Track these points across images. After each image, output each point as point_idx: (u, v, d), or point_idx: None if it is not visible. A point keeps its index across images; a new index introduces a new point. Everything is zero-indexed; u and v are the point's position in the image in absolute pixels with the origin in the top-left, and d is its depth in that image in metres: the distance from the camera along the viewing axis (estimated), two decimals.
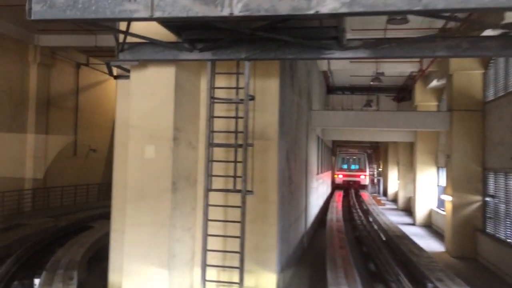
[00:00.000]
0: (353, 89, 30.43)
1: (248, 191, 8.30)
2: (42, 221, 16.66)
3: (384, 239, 15.98)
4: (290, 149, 12.71)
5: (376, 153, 52.05)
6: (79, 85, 24.59)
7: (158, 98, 9.12)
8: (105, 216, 19.32)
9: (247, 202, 8.37)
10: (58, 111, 22.87)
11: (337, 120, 20.39)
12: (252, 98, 8.68)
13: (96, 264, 11.42)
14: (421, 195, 24.78)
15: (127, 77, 9.95)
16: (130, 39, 8.28)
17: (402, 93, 29.56)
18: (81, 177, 24.57)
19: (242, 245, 8.07)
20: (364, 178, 40.27)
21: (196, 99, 10.35)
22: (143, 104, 9.22)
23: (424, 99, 24.81)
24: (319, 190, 24.13)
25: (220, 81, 9.15)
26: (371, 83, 23.49)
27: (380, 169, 50.45)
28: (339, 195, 34.11)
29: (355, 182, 39.64)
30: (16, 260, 10.96)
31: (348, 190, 37.62)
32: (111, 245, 9.68)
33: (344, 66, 21.91)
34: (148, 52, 8.47)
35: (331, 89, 29.98)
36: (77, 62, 24.36)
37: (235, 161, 8.80)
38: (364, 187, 40.05)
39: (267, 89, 10.15)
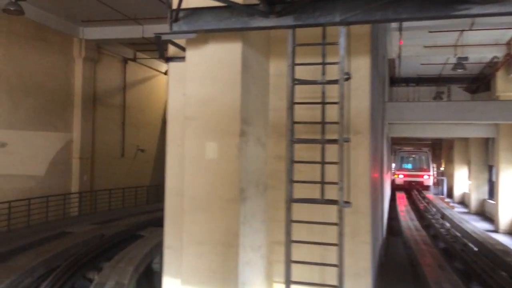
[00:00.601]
0: (419, 80, 27.53)
1: (346, 202, 6.16)
2: (88, 228, 15.22)
3: (480, 253, 13.30)
4: (374, 146, 10.44)
5: (438, 151, 48.36)
6: (126, 81, 23.27)
7: (221, 82, 7.03)
8: (155, 222, 17.78)
9: (331, 213, 6.25)
10: (105, 109, 21.60)
11: (406, 113, 17.90)
12: (349, 77, 6.52)
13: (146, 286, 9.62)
14: (505, 197, 21.68)
15: (182, 58, 7.94)
16: (186, 2, 6.32)
17: (477, 83, 26.39)
18: (129, 179, 23.25)
19: (340, 277, 5.93)
20: (428, 179, 37.02)
21: (265, 84, 8.23)
22: (203, 91, 7.17)
23: (508, 89, 21.69)
24: (386, 193, 21.62)
25: (299, 58, 7.03)
26: (453, 70, 20.57)
27: (442, 168, 46.77)
28: (401, 197, 31.26)
29: (417, 182, 36.50)
30: (55, 280, 9.36)
31: (410, 191, 34.61)
32: (164, 268, 7.80)
33: (418, 52, 19.35)
34: (209, 20, 6.43)
35: (395, 81, 27.24)
36: (124, 57, 23.03)
37: (323, 162, 6.67)
38: (427, 188, 36.83)
39: (356, 68, 7.90)
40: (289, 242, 6.27)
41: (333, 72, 6.54)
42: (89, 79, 20.22)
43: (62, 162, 18.78)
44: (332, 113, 6.67)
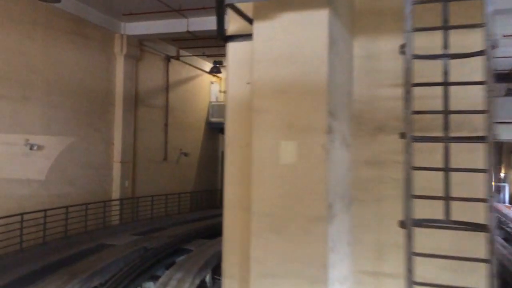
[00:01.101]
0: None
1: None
2: (130, 240, 13.78)
3: None
4: None
5: (496, 156, 44.63)
6: (169, 80, 21.95)
7: (302, 63, 5.08)
8: (203, 233, 16.18)
9: (465, 241, 4.29)
10: (146, 110, 20.31)
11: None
12: (495, 45, 4.55)
13: None
14: None
15: (245, 37, 6.09)
16: None
17: None
18: (171, 184, 21.87)
19: None
20: None
21: (349, 68, 6.26)
22: (276, 75, 5.26)
23: None
24: None
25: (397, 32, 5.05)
26: None
27: (502, 174, 43.16)
28: None
29: None
30: None
31: None
32: None
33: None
34: None
35: None
36: (167, 55, 21.72)
37: (447, 169, 4.70)
38: None
39: (468, 45, 5.84)
40: (411, 283, 4.35)
41: (456, 44, 4.57)
42: (131, 78, 18.96)
43: (102, 167, 17.55)
44: (455, 102, 4.71)
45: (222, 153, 26.87)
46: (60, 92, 15.62)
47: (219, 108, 26.05)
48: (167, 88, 21.79)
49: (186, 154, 22.92)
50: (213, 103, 26.02)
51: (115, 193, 18.02)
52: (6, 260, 11.21)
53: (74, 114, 16.22)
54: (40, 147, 14.58)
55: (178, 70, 22.78)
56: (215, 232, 16.18)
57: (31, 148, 14.14)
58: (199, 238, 14.82)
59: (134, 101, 19.26)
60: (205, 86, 25.64)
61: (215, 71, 22.81)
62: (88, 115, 16.89)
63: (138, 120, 19.56)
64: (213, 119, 25.81)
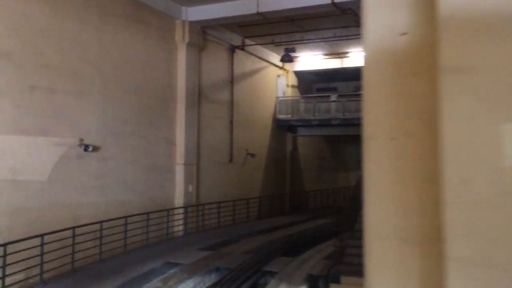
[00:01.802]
0: None
1: None
2: (198, 258, 11.56)
3: None
4: None
5: None
6: (234, 73, 19.76)
7: None
8: (281, 248, 13.17)
9: None
10: (210, 106, 18.20)
11: None
12: None
13: None
14: None
15: None
16: None
17: None
18: (237, 189, 19.65)
19: None
20: None
21: None
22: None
23: None
24: None
25: None
26: None
27: None
28: None
29: None
30: None
31: None
32: None
33: None
34: None
35: None
36: (231, 44, 19.55)
37: None
38: None
39: None
40: None
41: None
42: (194, 70, 16.90)
43: (164, 169, 15.58)
44: None
45: (291, 153, 24.36)
46: (116, 86, 13.75)
47: (286, 104, 23.59)
48: (231, 81, 19.60)
49: (252, 155, 20.64)
50: (280, 99, 23.59)
51: (178, 200, 15.98)
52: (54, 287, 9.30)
53: (133, 111, 14.32)
54: (95, 148, 12.73)
55: (243, 62, 20.56)
56: (295, 246, 13.68)
57: (85, 149, 12.31)
58: (279, 254, 12.38)
59: (198, 95, 17.19)
60: (272, 79, 23.27)
61: (286, 59, 20.36)
62: (147, 111, 14.95)
63: (202, 117, 17.47)
64: (281, 116, 23.38)
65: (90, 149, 12.36)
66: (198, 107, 17.18)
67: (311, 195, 25.68)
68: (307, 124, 22.87)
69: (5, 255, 9.20)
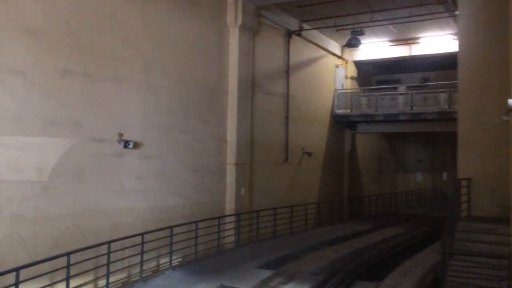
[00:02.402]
0: None
1: None
2: (258, 281, 9.43)
3: None
4: None
5: None
6: (290, 61, 17.52)
7: None
8: (354, 269, 10.52)
9: None
10: (264, 98, 16.02)
11: None
12: None
13: None
14: None
15: None
16: None
17: None
18: (293, 192, 17.41)
19: None
20: None
21: None
22: None
23: None
24: None
25: None
26: None
27: None
28: None
29: None
30: None
31: None
32: None
33: None
34: None
35: None
36: (287, 29, 17.29)
37: None
38: None
39: None
40: None
41: None
42: (247, 56, 14.78)
43: (213, 170, 13.56)
44: None
45: (349, 153, 21.87)
46: (161, 73, 11.84)
47: (345, 97, 21.10)
48: (287, 71, 17.35)
49: (310, 154, 18.33)
50: (339, 91, 21.11)
51: (229, 205, 13.92)
52: None
53: (179, 102, 12.37)
54: (137, 145, 10.85)
55: (299, 49, 18.27)
56: (368, 267, 11.31)
57: (125, 146, 10.42)
58: (353, 276, 10.06)
59: (251, 86, 15.07)
60: (330, 70, 20.84)
61: (353, 43, 17.80)
62: (195, 103, 12.96)
63: (255, 111, 15.34)
64: (339, 111, 20.92)
65: (130, 145, 10.47)
66: (251, 100, 15.06)
67: (371, 199, 23.06)
68: (369, 119, 20.25)
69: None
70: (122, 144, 10.35)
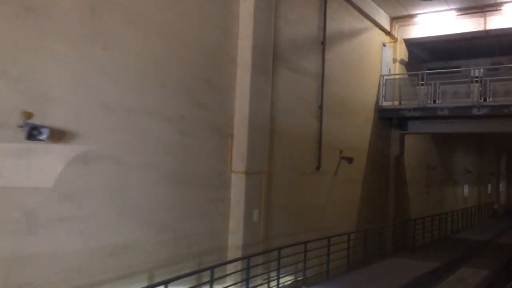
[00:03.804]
0: None
1: None
2: None
3: None
4: None
5: None
6: (326, 31, 12.48)
7: None
8: None
9: None
10: (290, 76, 10.99)
11: None
12: None
13: None
14: None
15: None
16: None
17: None
18: (324, 213, 12.37)
19: None
20: None
21: None
22: None
23: None
24: None
25: None
26: None
27: None
28: None
29: None
30: None
31: None
32: None
33: None
34: None
35: None
36: None
37: None
38: None
39: None
40: None
41: None
42: (267, 16, 9.75)
43: (209, 183, 8.52)
44: None
45: (396, 159, 16.67)
46: (123, 15, 6.92)
47: (393, 86, 15.95)
48: (323, 42, 12.32)
49: (350, 160, 13.21)
50: (386, 78, 15.99)
51: (234, 237, 8.85)
52: None
53: (154, 69, 7.43)
54: (62, 135, 5.94)
55: (339, 15, 13.23)
56: None
57: (32, 136, 5.48)
58: None
59: (271, 58, 10.06)
60: (375, 49, 15.71)
61: None
62: (183, 74, 8.02)
63: (277, 95, 10.34)
64: (386, 104, 15.80)
65: (43, 135, 5.50)
66: (272, 77, 10.05)
67: (419, 223, 17.65)
68: (427, 115, 15.00)
69: None
70: (27, 131, 5.41)
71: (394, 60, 16.79)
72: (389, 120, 16.12)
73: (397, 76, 16.30)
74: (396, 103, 15.96)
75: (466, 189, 27.63)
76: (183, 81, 8.02)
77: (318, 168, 12.03)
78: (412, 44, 17.32)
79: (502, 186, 37.95)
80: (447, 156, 23.64)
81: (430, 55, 19.27)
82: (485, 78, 14.41)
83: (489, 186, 34.13)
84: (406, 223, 16.19)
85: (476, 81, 14.28)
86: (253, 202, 9.22)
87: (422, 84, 15.34)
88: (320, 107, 12.15)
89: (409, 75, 16.48)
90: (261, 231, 9.38)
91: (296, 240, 10.42)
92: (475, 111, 14.06)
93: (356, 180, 14.27)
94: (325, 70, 12.31)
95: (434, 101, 15.03)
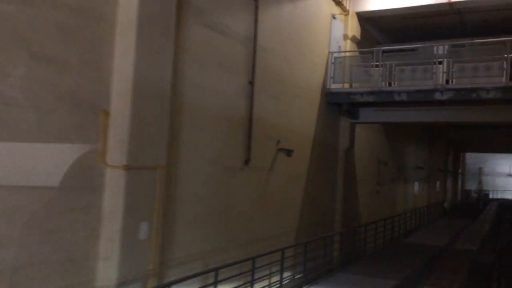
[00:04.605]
0: None
1: None
2: None
3: None
4: None
5: None
6: (258, 18, 9.63)
7: None
8: None
9: None
10: (208, 36, 8.02)
11: None
12: None
13: None
14: None
15: None
16: None
17: None
18: (255, 222, 9.60)
19: None
20: None
21: None
22: None
23: None
24: None
25: None
26: None
27: None
28: None
29: None
30: None
31: None
32: None
33: None
34: None
35: None
36: None
37: None
38: None
39: None
40: None
41: None
42: None
43: (67, 185, 5.47)
44: None
45: (346, 153, 14.19)
46: None
47: (343, 67, 13.38)
48: (255, 31, 9.44)
49: (289, 153, 10.45)
50: (335, 56, 13.39)
51: (108, 265, 5.86)
52: None
53: None
54: None
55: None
56: None
57: None
58: None
59: (176, 5, 7.05)
60: (323, 21, 13.04)
61: None
62: (20, 15, 4.91)
63: (186, 59, 7.37)
64: (334, 86, 13.22)
65: None
66: (176, 32, 7.04)
67: (370, 228, 15.27)
68: (383, 100, 12.53)
69: None
70: None
71: (345, 37, 14.24)
72: (338, 106, 13.56)
73: (348, 54, 13.76)
74: (347, 86, 13.45)
75: (416, 187, 25.91)
76: (13, 19, 4.88)
77: (247, 162, 9.18)
78: (366, 20, 14.86)
79: (449, 183, 37.07)
80: (397, 150, 21.59)
81: (385, 36, 16.96)
82: (449, 59, 12.12)
83: (438, 183, 32.98)
84: (355, 230, 13.73)
85: (440, 62, 11.95)
86: (140, 211, 6.21)
87: (377, 66, 12.87)
88: (251, 83, 9.29)
89: (362, 53, 13.93)
90: (153, 254, 6.37)
91: (213, 262, 7.55)
92: (438, 96, 11.73)
93: (298, 177, 11.56)
94: (258, 35, 9.46)
95: (390, 84, 12.64)
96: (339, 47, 13.87)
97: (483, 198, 41.61)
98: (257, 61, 9.46)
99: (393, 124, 18.74)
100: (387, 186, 19.69)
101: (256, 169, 9.51)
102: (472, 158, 46.80)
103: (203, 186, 7.88)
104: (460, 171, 41.13)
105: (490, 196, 45.27)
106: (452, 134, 29.91)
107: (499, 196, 46.47)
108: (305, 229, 11.61)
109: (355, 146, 14.80)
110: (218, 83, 8.33)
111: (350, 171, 14.67)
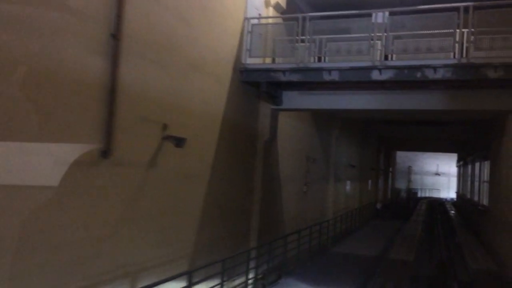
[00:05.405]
0: None
1: None
2: None
3: None
4: None
5: None
6: None
7: None
8: None
9: None
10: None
11: None
12: None
13: None
14: None
15: None
16: None
17: None
18: (134, 229, 6.67)
19: None
20: None
21: None
22: None
23: None
24: None
25: None
26: None
27: None
28: None
29: None
30: None
31: None
32: None
33: None
34: None
35: None
36: None
37: None
38: None
39: None
40: None
41: None
42: None
43: None
44: None
45: (266, 146, 11.53)
46: None
47: (264, 39, 10.66)
48: None
49: (180, 142, 7.52)
50: (252, 23, 10.63)
51: None
52: None
53: None
54: None
55: None
56: None
57: None
58: None
59: None
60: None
61: None
62: None
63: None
64: (250, 61, 10.47)
65: None
66: None
67: (292, 240, 12.77)
68: (311, 79, 9.91)
69: None
70: None
71: (267, 3, 11.54)
72: (257, 87, 10.81)
73: (270, 20, 11.07)
74: (269, 61, 10.78)
75: (348, 186, 24.01)
76: None
77: (105, 154, 6.14)
78: None
79: (380, 182, 36.07)
80: (328, 144, 19.37)
81: (313, 9, 14.53)
82: (388, 31, 9.73)
83: (369, 182, 31.62)
84: (273, 243, 11.13)
85: (379, 38, 9.53)
86: None
87: (303, 41, 10.28)
88: (115, 37, 6.26)
89: (285, 20, 11.25)
90: None
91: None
92: (375, 75, 9.33)
93: (197, 176, 8.66)
94: (124, 24, 6.46)
95: (320, 59, 10.12)
96: (259, 14, 11.16)
97: (412, 197, 41.64)
98: (128, 7, 6.46)
99: (325, 115, 16.42)
100: (316, 186, 17.36)
101: (123, 164, 6.50)
102: (401, 157, 46.63)
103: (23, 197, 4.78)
104: (391, 169, 40.39)
105: (419, 194, 45.42)
106: (382, 130, 28.52)
107: (427, 194, 46.90)
108: (207, 246, 8.76)
109: (278, 138, 12.19)
110: (46, 25, 5.25)
111: (272, 168, 12.05)
